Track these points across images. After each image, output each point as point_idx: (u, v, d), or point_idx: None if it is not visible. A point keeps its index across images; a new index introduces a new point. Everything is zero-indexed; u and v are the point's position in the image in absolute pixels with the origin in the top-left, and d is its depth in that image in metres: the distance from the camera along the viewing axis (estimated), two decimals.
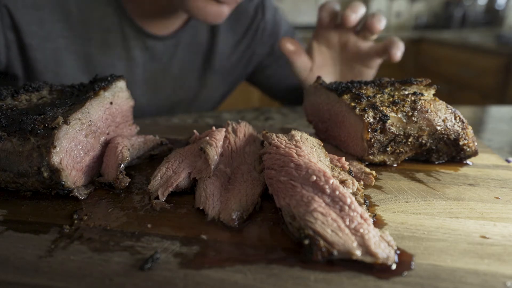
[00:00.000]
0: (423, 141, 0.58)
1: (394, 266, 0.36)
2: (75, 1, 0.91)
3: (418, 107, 0.57)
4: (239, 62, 1.18)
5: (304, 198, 0.40)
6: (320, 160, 0.48)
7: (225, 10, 0.88)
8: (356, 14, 0.85)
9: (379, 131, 0.56)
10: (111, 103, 0.59)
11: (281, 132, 0.57)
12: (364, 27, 0.87)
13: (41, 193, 0.49)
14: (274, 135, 0.54)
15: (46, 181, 0.46)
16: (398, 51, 0.85)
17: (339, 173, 0.49)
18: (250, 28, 1.16)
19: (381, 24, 0.85)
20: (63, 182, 0.46)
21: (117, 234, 0.41)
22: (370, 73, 0.98)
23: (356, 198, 0.44)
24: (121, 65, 0.99)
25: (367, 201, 0.46)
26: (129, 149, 0.56)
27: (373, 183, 0.53)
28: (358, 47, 0.93)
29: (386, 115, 0.56)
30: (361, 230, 0.37)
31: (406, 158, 0.61)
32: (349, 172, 0.51)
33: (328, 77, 1.00)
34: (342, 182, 0.46)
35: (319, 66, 0.98)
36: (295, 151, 0.48)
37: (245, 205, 0.45)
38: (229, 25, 1.12)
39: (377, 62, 0.95)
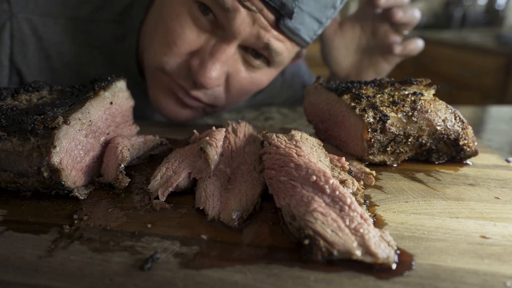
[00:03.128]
0: (423, 141, 0.58)
1: (394, 266, 0.36)
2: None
3: (418, 107, 0.57)
4: (251, 107, 1.16)
5: (304, 198, 0.40)
6: (320, 160, 0.48)
7: (185, 113, 0.82)
8: (405, 13, 0.87)
9: (379, 131, 0.56)
10: (111, 103, 0.59)
11: (281, 132, 0.57)
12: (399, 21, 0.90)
13: (41, 193, 0.49)
14: (274, 135, 0.54)
15: (46, 181, 0.46)
16: (412, 44, 0.92)
17: (339, 173, 0.49)
18: (269, 83, 1.14)
19: (416, 18, 0.90)
20: (63, 182, 0.46)
21: (117, 234, 0.41)
22: (384, 67, 0.99)
23: (356, 198, 0.44)
24: None
25: (367, 201, 0.46)
26: (129, 149, 0.56)
27: (373, 183, 0.53)
28: (386, 37, 0.94)
29: (386, 115, 0.56)
30: (361, 230, 0.37)
31: (406, 158, 0.61)
32: (349, 172, 0.51)
33: (347, 56, 1.00)
34: (342, 182, 0.46)
35: (345, 41, 0.99)
36: (295, 151, 0.48)
37: (245, 205, 0.45)
38: None
39: (396, 59, 0.97)
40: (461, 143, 0.59)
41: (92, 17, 0.86)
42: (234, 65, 0.74)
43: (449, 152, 0.60)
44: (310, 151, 0.49)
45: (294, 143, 0.51)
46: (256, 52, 0.73)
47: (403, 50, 0.92)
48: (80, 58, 0.87)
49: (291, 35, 0.70)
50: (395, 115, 0.57)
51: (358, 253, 0.36)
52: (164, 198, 0.48)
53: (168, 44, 0.72)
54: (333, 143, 0.67)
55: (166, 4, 0.73)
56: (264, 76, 0.79)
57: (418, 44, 0.93)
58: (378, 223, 0.43)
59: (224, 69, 0.72)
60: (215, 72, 0.69)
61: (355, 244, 0.36)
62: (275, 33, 0.69)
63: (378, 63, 0.99)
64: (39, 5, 0.83)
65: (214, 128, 0.62)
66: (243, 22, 0.66)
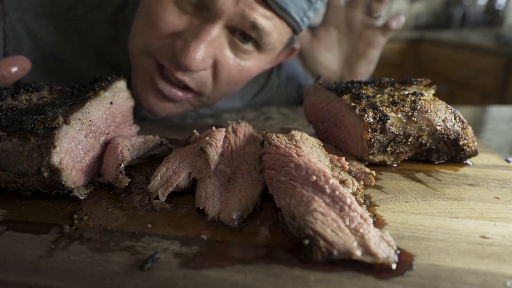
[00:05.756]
0: (423, 141, 0.58)
1: (394, 266, 0.36)
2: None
3: (418, 107, 0.57)
4: (251, 107, 1.16)
5: (304, 198, 0.40)
6: (320, 160, 0.48)
7: (169, 107, 0.79)
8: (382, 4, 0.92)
9: (379, 131, 0.56)
10: (111, 103, 0.59)
11: (281, 132, 0.57)
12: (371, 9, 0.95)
13: (41, 193, 0.49)
14: (274, 135, 0.54)
15: (46, 181, 0.46)
16: (394, 21, 0.95)
17: (339, 173, 0.49)
18: (266, 85, 1.12)
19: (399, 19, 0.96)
20: (63, 182, 0.46)
21: (117, 234, 0.41)
22: (373, 53, 1.00)
23: (356, 198, 0.44)
24: None
25: (367, 201, 0.46)
26: (129, 149, 0.56)
27: (373, 183, 0.53)
28: (364, 24, 0.96)
29: (386, 115, 0.56)
30: (361, 230, 0.37)
31: (406, 158, 0.61)
32: (349, 172, 0.51)
33: (332, 57, 1.01)
34: (342, 182, 0.46)
35: (324, 45, 1.00)
36: (295, 151, 0.48)
37: (245, 205, 0.45)
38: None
39: (381, 40, 0.98)
40: (461, 143, 0.59)
41: (85, 17, 0.85)
42: (221, 50, 0.71)
43: (449, 152, 0.60)
44: (310, 151, 0.49)
45: (294, 143, 0.51)
46: (244, 35, 0.71)
47: (389, 26, 0.95)
48: (74, 58, 0.87)
49: (279, 11, 0.68)
50: (395, 115, 0.57)
51: (358, 253, 0.36)
52: (164, 198, 0.48)
53: (150, 26, 0.70)
54: (333, 143, 0.67)
55: None
56: (253, 63, 0.76)
57: (400, 18, 0.97)
58: (378, 223, 0.43)
59: (210, 51, 0.69)
60: (199, 53, 0.66)
61: (355, 244, 0.36)
62: (261, 10, 0.67)
63: (366, 52, 0.99)
64: (32, 5, 0.83)
65: (214, 128, 0.62)
66: (226, 0, 0.64)
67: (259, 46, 0.73)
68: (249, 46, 0.73)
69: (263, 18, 0.67)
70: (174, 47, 0.69)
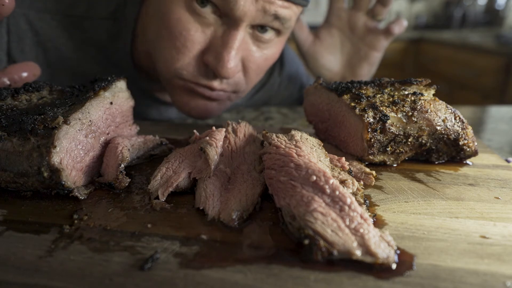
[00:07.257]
0: (423, 141, 0.58)
1: (394, 266, 0.36)
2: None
3: (418, 107, 0.57)
4: (251, 107, 1.17)
5: (304, 198, 0.40)
6: (320, 160, 0.48)
7: (214, 107, 0.81)
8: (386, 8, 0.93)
9: (379, 131, 0.56)
10: (111, 103, 0.59)
11: (281, 132, 0.57)
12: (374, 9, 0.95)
13: (41, 193, 0.49)
14: (274, 135, 0.54)
15: (46, 181, 0.46)
16: (396, 26, 0.96)
17: (339, 173, 0.49)
18: (267, 83, 1.12)
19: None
20: (63, 182, 0.46)
21: (117, 234, 0.41)
22: (375, 56, 1.00)
23: (356, 198, 0.44)
24: None
25: (367, 201, 0.46)
26: (129, 149, 0.56)
27: (373, 183, 0.53)
28: (366, 27, 0.97)
29: (386, 115, 0.56)
30: (361, 230, 0.37)
31: (406, 158, 0.61)
32: (349, 172, 0.51)
33: (335, 59, 1.02)
34: (342, 182, 0.46)
35: (327, 47, 1.00)
36: (295, 151, 0.48)
37: (245, 205, 0.45)
38: None
39: (383, 43, 0.98)
40: (461, 143, 0.59)
41: (86, 14, 0.86)
42: (247, 48, 0.74)
43: (449, 152, 0.60)
44: (310, 151, 0.49)
45: (294, 143, 0.51)
46: (261, 26, 0.73)
47: (391, 31, 0.96)
48: (76, 54, 0.87)
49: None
50: (395, 115, 0.57)
51: (358, 253, 0.36)
52: (164, 198, 0.48)
53: (179, 49, 0.72)
54: (333, 143, 0.67)
55: (164, 8, 0.72)
56: (275, 48, 0.80)
57: (402, 23, 0.98)
58: (378, 223, 0.43)
59: (239, 55, 0.72)
60: (233, 61, 0.69)
61: (355, 244, 0.36)
62: (279, 2, 0.69)
63: (368, 54, 1.00)
64: (35, 1, 0.84)
65: (214, 128, 0.62)
66: (246, 1, 0.66)
67: (279, 32, 0.76)
68: (269, 35, 0.75)
69: (283, 8, 0.70)
70: (206, 63, 0.71)
